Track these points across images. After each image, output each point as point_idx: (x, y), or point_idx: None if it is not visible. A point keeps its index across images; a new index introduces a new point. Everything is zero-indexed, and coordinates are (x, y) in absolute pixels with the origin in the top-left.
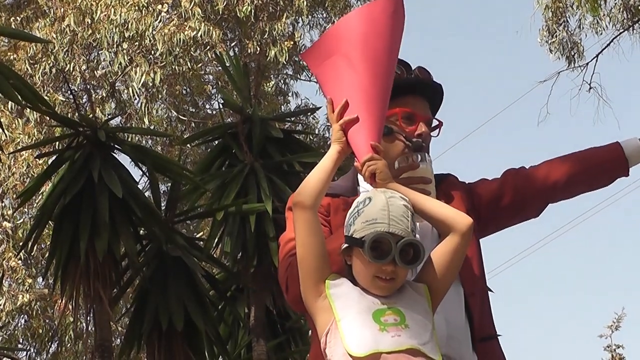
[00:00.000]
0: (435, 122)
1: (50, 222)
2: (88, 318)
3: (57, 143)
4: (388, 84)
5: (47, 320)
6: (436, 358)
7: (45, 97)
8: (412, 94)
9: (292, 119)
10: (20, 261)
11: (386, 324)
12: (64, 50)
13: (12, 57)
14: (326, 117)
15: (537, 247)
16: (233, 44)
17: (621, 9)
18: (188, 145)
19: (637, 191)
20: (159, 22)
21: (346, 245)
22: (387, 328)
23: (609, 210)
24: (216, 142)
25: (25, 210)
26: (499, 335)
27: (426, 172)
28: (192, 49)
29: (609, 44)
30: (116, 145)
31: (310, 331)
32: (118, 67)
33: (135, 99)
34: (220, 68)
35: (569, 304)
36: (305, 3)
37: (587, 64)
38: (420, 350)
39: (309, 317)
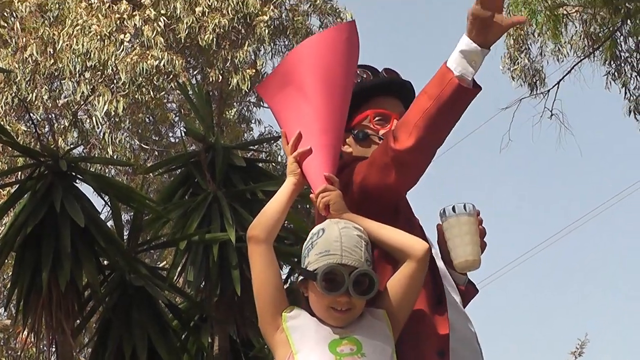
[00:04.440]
0: None
1: (12, 252)
2: (51, 349)
3: (19, 173)
4: (343, 113)
5: (10, 352)
6: None
7: (7, 127)
8: (382, 94)
9: (255, 147)
10: None
11: (342, 354)
12: (26, 79)
13: None
14: None
15: (501, 273)
16: (195, 72)
17: (582, 36)
18: (151, 174)
19: (597, 219)
20: (121, 52)
21: (302, 277)
22: (343, 359)
23: (570, 238)
24: (179, 170)
25: None
26: None
27: None
28: (154, 77)
29: (570, 71)
30: (78, 175)
31: None
32: (80, 96)
33: (98, 128)
34: (183, 96)
35: (532, 330)
36: (266, 31)
37: (549, 90)
38: None
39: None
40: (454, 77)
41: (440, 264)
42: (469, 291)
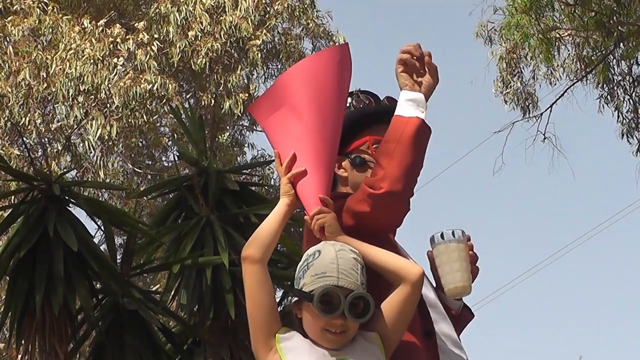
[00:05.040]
0: None
1: (5, 276)
2: None
3: (12, 197)
4: (336, 135)
5: None
6: None
7: (0, 152)
8: (382, 122)
9: (248, 170)
10: None
11: None
12: (19, 103)
13: None
14: None
15: (495, 295)
16: (188, 95)
17: (574, 60)
18: (144, 197)
19: (588, 242)
20: (114, 75)
21: (296, 299)
22: None
23: (563, 261)
24: (172, 194)
25: None
26: None
27: None
28: (148, 101)
29: (562, 94)
30: (71, 199)
31: None
32: (74, 120)
33: (91, 152)
34: (176, 120)
35: (527, 351)
36: (259, 55)
37: (542, 114)
38: None
39: None
40: (411, 117)
41: (429, 293)
42: (464, 316)
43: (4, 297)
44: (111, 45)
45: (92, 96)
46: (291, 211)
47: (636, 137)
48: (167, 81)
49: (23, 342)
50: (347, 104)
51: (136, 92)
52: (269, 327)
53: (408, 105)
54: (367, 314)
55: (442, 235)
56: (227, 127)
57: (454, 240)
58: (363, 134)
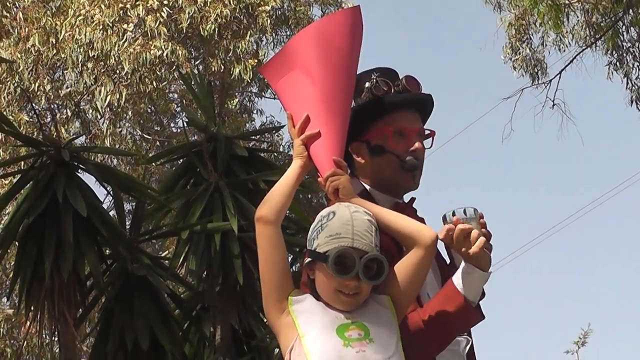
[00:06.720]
0: (427, 133)
1: (14, 242)
2: (53, 338)
3: (22, 163)
4: (348, 98)
5: (13, 341)
6: None
7: (10, 117)
8: (402, 109)
9: (257, 137)
10: None
11: (350, 339)
12: (29, 70)
13: None
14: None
15: (503, 262)
16: (197, 62)
17: (584, 26)
18: (153, 164)
19: (597, 210)
20: (124, 42)
21: (309, 259)
22: (352, 343)
23: (572, 228)
24: (181, 160)
25: None
26: None
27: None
28: (157, 68)
29: (572, 61)
30: (80, 165)
31: (276, 350)
32: (83, 86)
33: (100, 118)
34: (185, 86)
35: (535, 319)
36: (268, 21)
37: (551, 80)
38: None
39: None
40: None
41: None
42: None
43: (13, 263)
44: (121, 11)
45: (102, 62)
46: (304, 173)
47: None
48: (177, 47)
49: (32, 308)
50: (366, 89)
51: (146, 58)
52: (281, 288)
53: (465, 282)
54: (381, 275)
55: (453, 214)
56: (236, 94)
57: (465, 218)
58: (384, 120)
